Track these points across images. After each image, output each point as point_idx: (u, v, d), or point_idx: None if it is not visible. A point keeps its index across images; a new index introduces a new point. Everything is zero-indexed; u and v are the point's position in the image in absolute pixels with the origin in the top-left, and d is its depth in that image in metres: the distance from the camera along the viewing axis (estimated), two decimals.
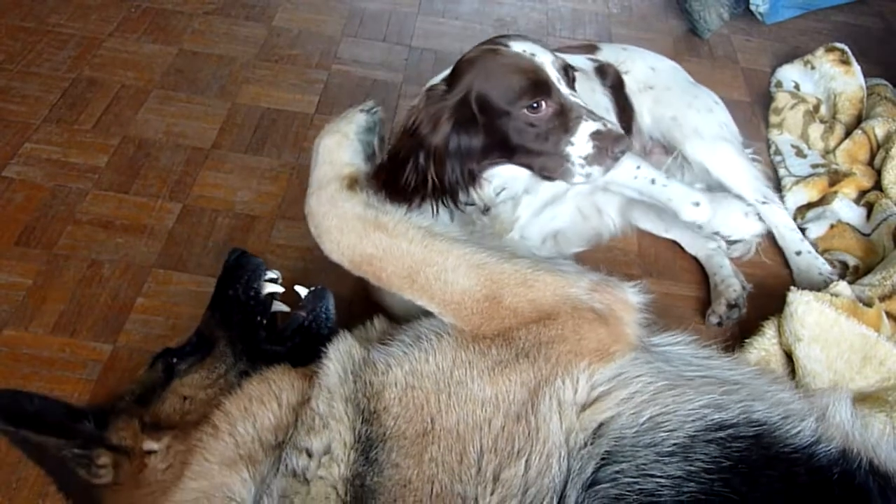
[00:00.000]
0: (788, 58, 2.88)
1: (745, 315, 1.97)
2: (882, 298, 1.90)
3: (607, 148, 1.53)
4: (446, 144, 1.55)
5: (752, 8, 3.15)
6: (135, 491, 1.19)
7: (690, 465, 1.04)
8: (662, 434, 1.08)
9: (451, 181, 1.58)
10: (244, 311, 1.49)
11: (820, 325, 1.77)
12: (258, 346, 1.44)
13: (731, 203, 1.92)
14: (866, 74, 2.66)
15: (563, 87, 1.55)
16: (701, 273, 2.13)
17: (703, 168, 2.12)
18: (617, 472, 1.05)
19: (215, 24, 2.80)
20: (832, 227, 2.20)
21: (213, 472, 1.14)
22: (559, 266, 1.30)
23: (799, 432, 1.12)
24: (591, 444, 1.08)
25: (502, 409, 1.11)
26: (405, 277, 1.26)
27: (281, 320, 1.62)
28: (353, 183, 1.37)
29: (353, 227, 1.30)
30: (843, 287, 1.89)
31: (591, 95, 1.98)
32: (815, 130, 2.51)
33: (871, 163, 2.41)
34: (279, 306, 1.59)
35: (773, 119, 2.60)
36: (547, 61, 1.56)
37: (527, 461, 1.06)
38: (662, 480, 1.03)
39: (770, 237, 2.19)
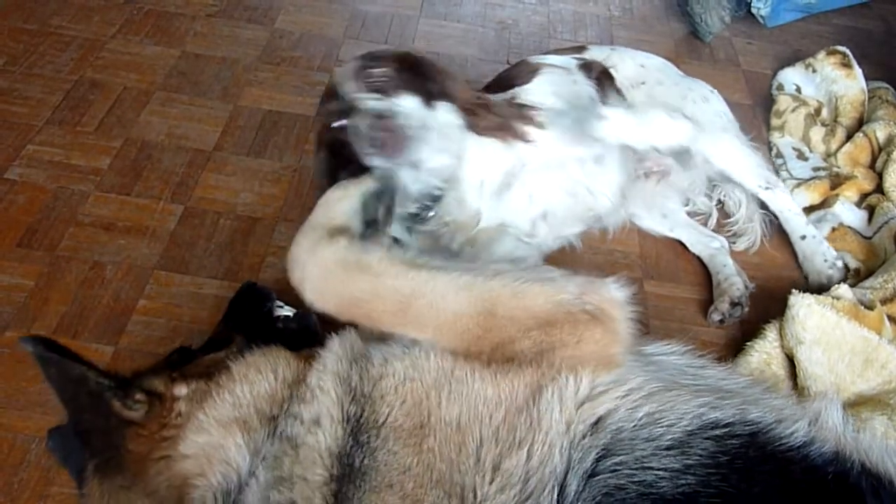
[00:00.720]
0: (790, 61, 2.88)
1: (746, 314, 1.98)
2: (883, 301, 1.90)
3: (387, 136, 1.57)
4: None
5: (754, 11, 3.15)
6: (157, 434, 1.22)
7: (688, 459, 1.06)
8: (660, 429, 1.10)
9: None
10: (258, 321, 1.63)
11: (821, 328, 1.77)
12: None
13: (655, 111, 1.97)
14: (867, 77, 2.66)
15: (357, 93, 1.61)
16: (702, 275, 2.13)
17: (703, 158, 2.13)
18: (616, 463, 1.07)
19: (218, 26, 2.81)
20: (834, 230, 2.21)
21: (212, 428, 1.18)
22: (544, 274, 1.29)
23: (793, 433, 1.13)
24: (591, 435, 1.10)
25: (505, 403, 1.13)
26: (396, 313, 1.24)
27: None
28: (338, 233, 1.36)
29: (334, 273, 1.29)
30: (844, 290, 1.89)
31: (572, 87, 2.03)
32: (817, 133, 2.51)
33: (872, 166, 2.41)
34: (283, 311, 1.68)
35: (775, 122, 2.60)
36: (348, 73, 1.65)
37: (528, 451, 1.07)
38: (661, 473, 1.05)
39: (777, 229, 2.22)
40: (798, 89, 2.74)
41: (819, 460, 1.11)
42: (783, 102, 2.63)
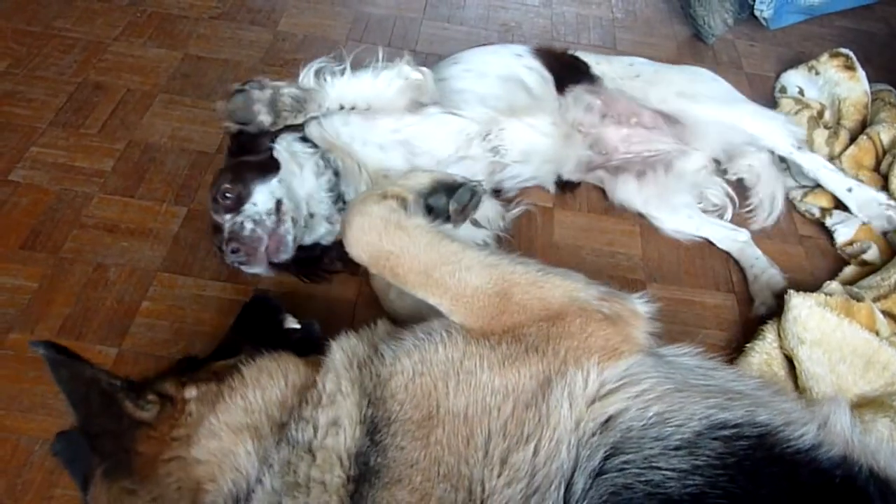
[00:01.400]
0: (793, 63, 2.88)
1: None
2: (877, 299, 1.91)
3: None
4: None
5: (757, 13, 3.15)
6: (168, 435, 1.22)
7: (696, 460, 1.07)
8: (669, 429, 1.11)
9: None
10: (269, 332, 1.63)
11: (822, 330, 1.78)
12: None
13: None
14: (871, 80, 2.66)
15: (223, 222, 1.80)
16: (705, 277, 2.13)
17: (724, 128, 2.20)
18: (625, 462, 1.07)
19: (220, 28, 2.81)
20: (863, 224, 2.24)
21: (224, 434, 1.19)
22: (570, 274, 1.34)
23: (802, 436, 1.13)
24: (600, 433, 1.11)
25: (512, 396, 1.15)
26: (421, 273, 1.32)
27: None
28: (391, 197, 1.45)
29: (375, 226, 1.38)
30: (835, 286, 1.92)
31: (510, 71, 2.16)
32: (820, 136, 2.51)
33: (876, 168, 2.40)
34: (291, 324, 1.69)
35: None
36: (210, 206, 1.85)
37: (535, 446, 1.09)
38: (669, 473, 1.05)
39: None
40: (801, 92, 2.74)
41: (827, 463, 1.11)
42: (786, 105, 2.63)
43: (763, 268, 2.10)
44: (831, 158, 2.47)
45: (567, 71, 2.23)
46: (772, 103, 2.72)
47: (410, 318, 1.47)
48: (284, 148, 1.89)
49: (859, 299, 1.87)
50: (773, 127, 2.22)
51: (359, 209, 1.41)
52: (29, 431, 1.60)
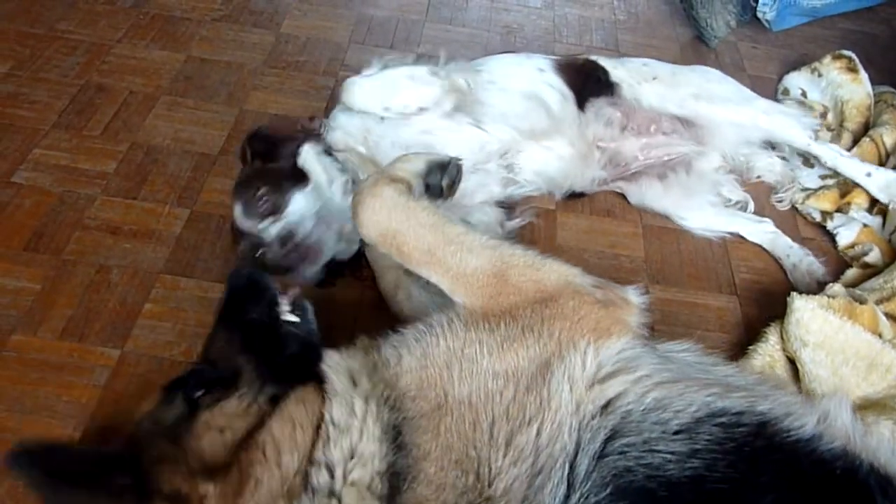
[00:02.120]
0: (795, 65, 2.88)
1: None
2: (880, 301, 1.91)
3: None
4: None
5: (759, 15, 3.15)
6: None
7: (695, 444, 1.09)
8: (668, 414, 1.14)
9: None
10: (267, 335, 1.44)
11: (824, 332, 1.78)
12: (277, 365, 1.37)
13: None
14: (873, 82, 2.65)
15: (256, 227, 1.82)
16: (707, 279, 2.13)
17: (741, 127, 2.24)
18: (625, 445, 1.10)
19: (223, 30, 2.81)
20: (865, 226, 2.24)
21: None
22: (567, 264, 1.40)
23: (802, 427, 1.15)
24: (601, 416, 1.14)
25: (513, 380, 1.19)
26: (426, 252, 1.40)
27: None
28: (400, 181, 1.51)
29: (385, 207, 1.45)
30: (838, 289, 1.91)
31: (532, 88, 2.16)
32: (823, 138, 2.50)
33: None
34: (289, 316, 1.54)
35: None
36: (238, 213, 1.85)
37: (538, 428, 1.13)
38: (668, 456, 1.08)
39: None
40: (804, 94, 2.74)
41: (828, 455, 1.12)
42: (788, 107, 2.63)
43: (800, 256, 2.14)
44: None
45: (587, 83, 2.23)
46: None
47: (417, 319, 1.47)
48: (314, 159, 1.93)
49: (862, 302, 1.87)
50: (787, 122, 2.26)
51: (370, 191, 1.48)
52: (32, 433, 1.60)
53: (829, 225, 2.27)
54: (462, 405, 1.16)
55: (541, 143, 2.13)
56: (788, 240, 2.19)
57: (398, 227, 1.43)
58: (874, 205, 2.29)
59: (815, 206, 2.31)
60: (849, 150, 2.44)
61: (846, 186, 2.34)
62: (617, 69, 2.29)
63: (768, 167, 2.36)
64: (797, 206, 2.36)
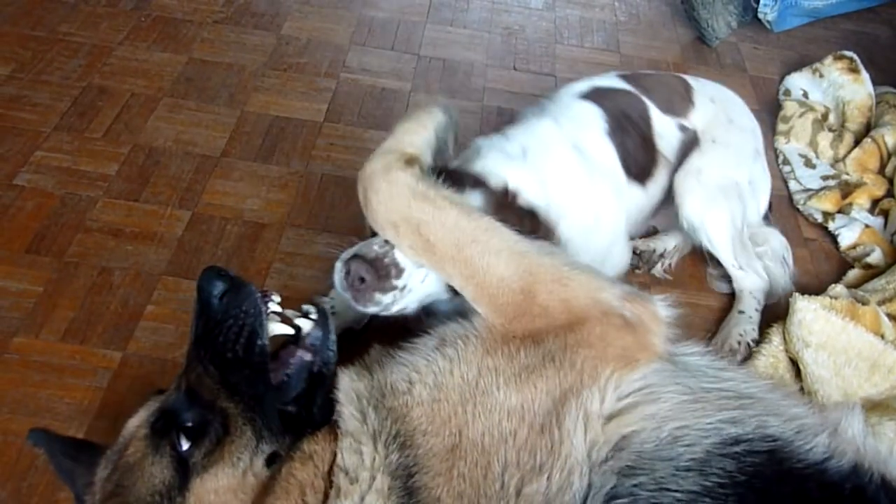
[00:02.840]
0: (797, 66, 2.88)
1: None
2: (882, 302, 1.91)
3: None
4: None
5: (760, 16, 3.15)
6: None
7: (706, 480, 1.05)
8: (680, 448, 1.09)
9: None
10: (251, 373, 1.22)
11: (827, 333, 1.78)
12: (272, 407, 1.22)
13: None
14: (874, 82, 2.66)
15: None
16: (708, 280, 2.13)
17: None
18: (635, 485, 1.05)
19: (225, 32, 2.82)
20: (867, 226, 2.24)
21: None
22: (595, 271, 1.31)
23: (812, 448, 1.12)
24: (613, 458, 1.08)
25: (527, 419, 1.11)
26: (451, 246, 1.28)
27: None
28: (411, 162, 1.39)
29: (403, 194, 1.32)
30: (840, 290, 1.92)
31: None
32: (824, 139, 2.51)
33: (881, 171, 2.40)
34: (281, 329, 1.34)
35: (781, 127, 2.60)
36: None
37: (549, 477, 1.06)
38: (679, 495, 1.04)
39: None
40: (805, 94, 2.74)
41: (837, 476, 1.09)
42: (790, 108, 2.63)
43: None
44: (835, 161, 2.47)
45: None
46: (776, 106, 2.73)
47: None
48: None
49: (864, 303, 1.87)
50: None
51: (382, 176, 1.35)
52: (27, 441, 1.60)
53: (831, 226, 2.27)
54: (476, 448, 1.09)
55: None
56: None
57: (420, 216, 1.30)
58: (876, 205, 2.30)
59: (816, 207, 2.31)
60: (850, 150, 2.45)
61: (848, 187, 2.34)
62: (699, 110, 2.07)
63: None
64: (799, 206, 2.35)
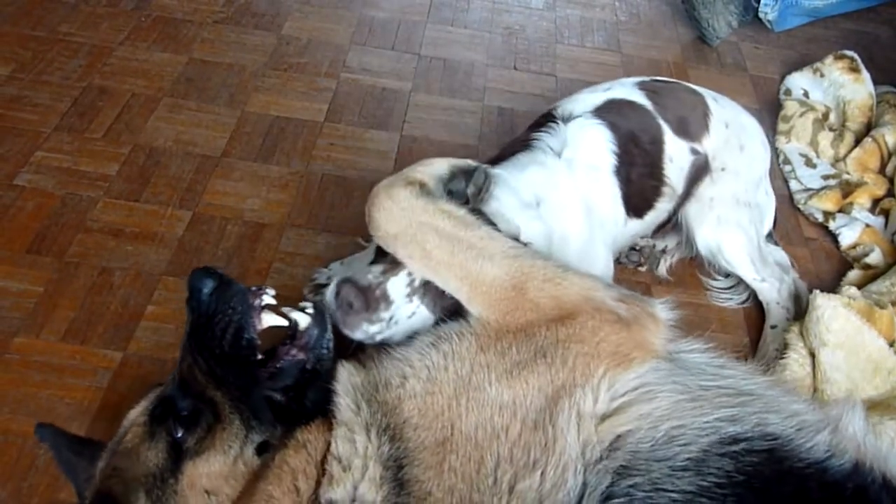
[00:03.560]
0: (797, 65, 2.88)
1: None
2: (892, 304, 1.90)
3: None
4: None
5: (761, 15, 3.15)
6: None
7: (703, 480, 1.04)
8: (677, 448, 1.08)
9: None
10: (238, 366, 1.27)
11: (846, 332, 1.77)
12: (262, 399, 1.26)
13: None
14: (875, 82, 2.66)
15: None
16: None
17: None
18: (631, 486, 1.05)
19: (225, 32, 2.82)
20: (867, 226, 2.23)
21: None
22: (591, 275, 1.32)
23: (813, 447, 1.11)
24: (608, 458, 1.08)
25: (519, 415, 1.12)
26: (446, 252, 1.32)
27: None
28: (416, 184, 1.45)
29: (403, 207, 1.38)
30: (854, 291, 1.91)
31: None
32: (825, 138, 2.51)
33: (882, 171, 2.40)
34: (276, 320, 1.36)
35: (782, 127, 2.60)
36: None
37: (542, 473, 1.06)
38: (675, 495, 1.03)
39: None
40: (806, 94, 2.74)
41: (838, 475, 1.08)
42: (791, 107, 2.63)
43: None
44: (836, 161, 2.47)
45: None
46: (776, 106, 2.73)
47: None
48: None
49: (881, 306, 1.86)
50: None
51: (386, 193, 1.41)
52: (34, 436, 1.60)
53: (832, 225, 2.27)
54: (468, 442, 1.10)
55: None
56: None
57: (418, 228, 1.35)
58: (876, 205, 2.30)
59: (817, 207, 2.31)
60: (851, 150, 2.45)
61: (848, 187, 2.34)
62: (709, 137, 2.02)
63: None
64: (799, 206, 2.35)
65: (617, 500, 1.04)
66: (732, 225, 1.98)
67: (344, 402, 1.20)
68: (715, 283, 2.11)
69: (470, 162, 1.57)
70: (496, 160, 1.80)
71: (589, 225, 1.77)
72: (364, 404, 1.18)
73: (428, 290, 1.43)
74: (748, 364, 1.31)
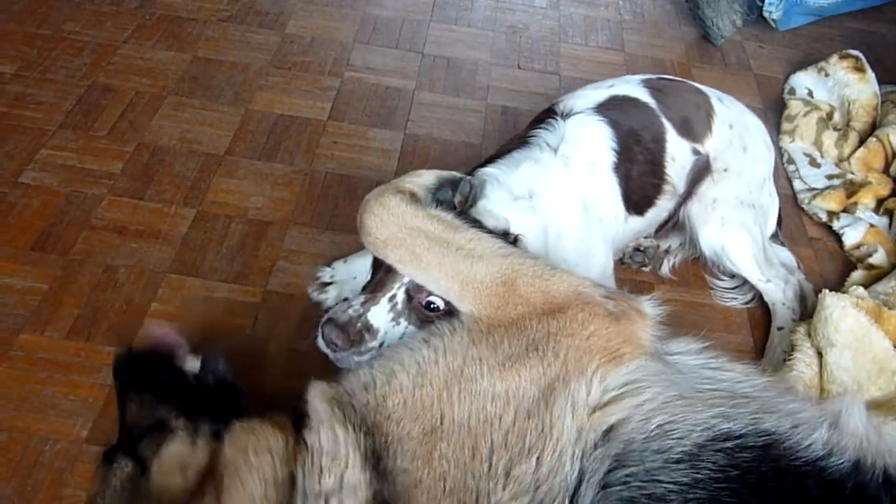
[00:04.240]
0: (802, 65, 2.87)
1: None
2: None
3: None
4: None
5: (766, 14, 3.15)
6: None
7: (697, 473, 1.05)
8: (670, 441, 1.09)
9: None
10: (177, 384, 1.45)
11: (854, 333, 1.77)
12: (199, 405, 1.39)
13: None
14: (880, 81, 2.65)
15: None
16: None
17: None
18: (627, 475, 1.06)
19: (229, 31, 2.82)
20: (872, 226, 2.23)
21: None
22: (578, 274, 1.34)
23: (810, 445, 1.11)
24: (603, 445, 1.09)
25: (513, 404, 1.14)
26: (437, 253, 1.36)
27: None
28: (406, 193, 1.49)
29: (393, 213, 1.43)
30: (862, 291, 1.90)
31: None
32: (829, 138, 2.50)
33: (886, 170, 2.40)
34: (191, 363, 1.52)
35: (786, 126, 2.59)
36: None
37: (538, 458, 1.08)
38: (670, 486, 1.04)
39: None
40: (810, 93, 2.74)
41: (837, 473, 1.08)
42: (795, 107, 2.62)
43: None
44: (840, 160, 2.46)
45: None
46: (781, 105, 2.72)
47: None
48: None
49: (890, 307, 1.85)
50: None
51: (376, 200, 1.46)
52: (39, 431, 1.61)
53: (836, 225, 2.27)
54: (461, 430, 1.12)
55: None
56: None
57: (409, 229, 1.40)
58: (881, 204, 2.29)
59: (821, 206, 2.31)
60: (855, 149, 2.44)
61: (852, 186, 2.34)
62: (711, 138, 2.03)
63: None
64: (803, 206, 2.35)
65: (615, 488, 1.05)
66: (737, 226, 1.98)
67: (318, 404, 1.21)
68: (719, 283, 2.11)
69: (456, 174, 1.60)
70: (494, 157, 1.81)
71: (586, 221, 1.77)
72: (338, 408, 1.19)
73: (412, 311, 1.46)
74: (748, 364, 1.31)
